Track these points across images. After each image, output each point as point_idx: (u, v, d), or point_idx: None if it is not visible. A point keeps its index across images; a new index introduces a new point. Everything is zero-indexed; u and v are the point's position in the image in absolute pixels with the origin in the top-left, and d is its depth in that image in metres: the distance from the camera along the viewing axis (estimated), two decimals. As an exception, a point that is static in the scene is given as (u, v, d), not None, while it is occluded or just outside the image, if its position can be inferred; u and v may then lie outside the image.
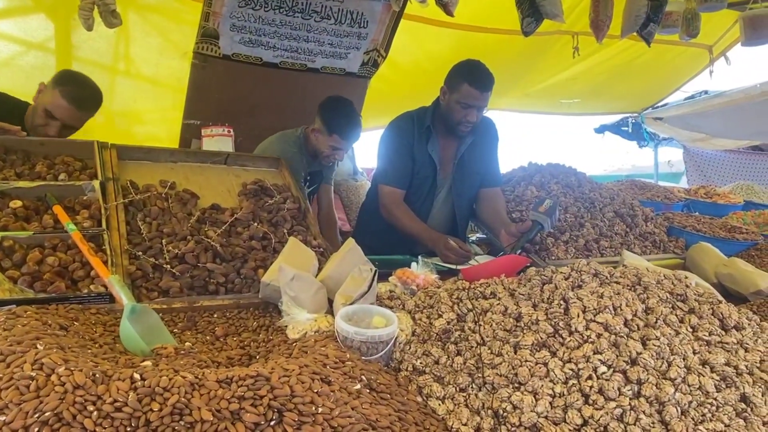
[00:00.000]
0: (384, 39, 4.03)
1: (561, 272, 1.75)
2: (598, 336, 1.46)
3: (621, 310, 1.56)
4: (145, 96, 4.06)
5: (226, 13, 3.41)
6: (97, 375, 1.05)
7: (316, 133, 3.19)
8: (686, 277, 1.86)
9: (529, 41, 4.87)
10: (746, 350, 1.57)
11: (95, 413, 0.98)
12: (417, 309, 1.80)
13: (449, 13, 2.88)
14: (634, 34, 3.75)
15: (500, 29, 4.61)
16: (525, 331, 1.54)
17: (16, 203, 2.01)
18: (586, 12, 3.67)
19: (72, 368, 1.06)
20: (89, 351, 1.34)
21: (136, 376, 1.07)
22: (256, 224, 2.30)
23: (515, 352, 1.49)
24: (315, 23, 3.71)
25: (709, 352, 1.51)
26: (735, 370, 1.46)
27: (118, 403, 1.00)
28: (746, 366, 1.49)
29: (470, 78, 2.75)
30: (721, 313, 1.67)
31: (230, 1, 3.37)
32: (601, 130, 9.29)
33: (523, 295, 1.69)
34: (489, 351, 1.52)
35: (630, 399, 1.31)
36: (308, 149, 3.30)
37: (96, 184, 2.15)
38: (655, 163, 9.68)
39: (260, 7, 3.48)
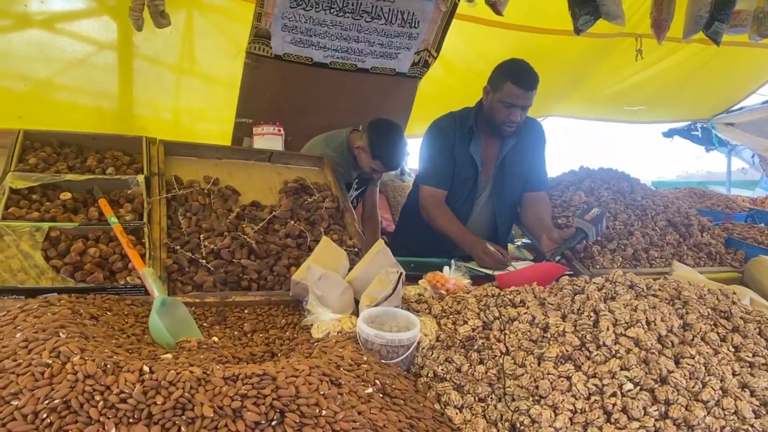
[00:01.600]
0: (435, 39, 3.99)
1: (594, 283, 1.68)
2: (627, 351, 1.40)
3: (655, 324, 1.48)
4: (202, 94, 4.18)
5: (277, 13, 3.46)
6: (108, 365, 1.08)
7: (360, 150, 3.21)
8: (734, 293, 1.75)
9: (589, 43, 4.73)
10: (794, 374, 1.46)
11: (101, 403, 1.01)
12: (443, 314, 1.77)
13: (498, 12, 2.82)
14: (704, 37, 3.56)
15: (557, 30, 4.47)
16: (551, 343, 1.49)
17: (66, 195, 2.11)
18: (648, 13, 3.51)
19: (86, 357, 1.10)
20: (114, 341, 1.39)
21: (146, 368, 1.09)
22: (293, 222, 2.32)
23: (538, 364, 1.44)
24: (365, 23, 3.71)
25: (752, 375, 1.41)
26: (778, 396, 1.36)
27: (123, 395, 1.02)
28: (792, 392, 1.39)
29: (514, 76, 2.68)
30: (769, 334, 1.56)
31: (282, 1, 3.42)
32: (669, 134, 8.90)
33: (552, 304, 1.63)
34: (512, 361, 1.48)
35: (655, 420, 1.24)
36: (352, 153, 3.31)
37: (140, 178, 2.23)
38: (728, 170, 9.18)
39: (311, 8, 3.51)
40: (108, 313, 1.61)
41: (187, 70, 4.07)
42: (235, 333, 1.75)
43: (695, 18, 3.33)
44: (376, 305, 1.68)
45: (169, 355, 1.35)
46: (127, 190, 2.22)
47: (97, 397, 1.02)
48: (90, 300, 1.66)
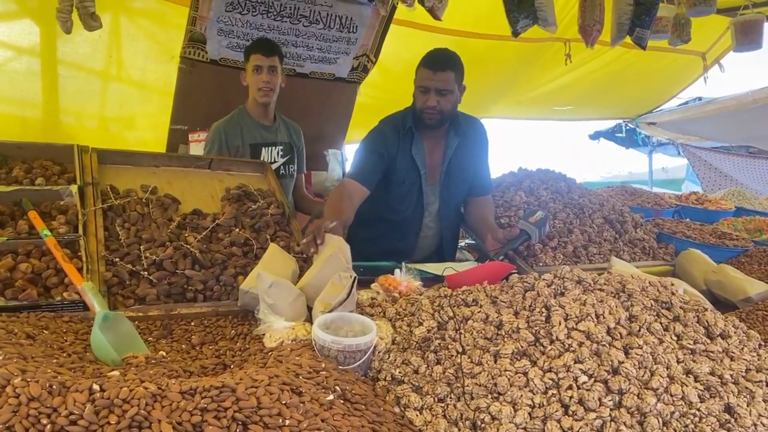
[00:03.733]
0: (374, 44, 4.01)
1: (544, 279, 1.72)
2: (580, 345, 1.43)
3: (604, 318, 1.53)
4: (132, 101, 4.02)
5: (213, 17, 3.39)
6: (54, 386, 1.01)
7: (244, 78, 3.23)
8: (672, 284, 1.83)
9: (522, 48, 4.89)
10: (731, 359, 1.54)
11: (49, 426, 0.94)
12: (398, 317, 1.77)
13: (436, 17, 2.86)
14: (629, 41, 3.74)
15: (492, 35, 4.59)
16: (506, 340, 1.51)
17: (-9, 208, 1.98)
18: (575, 20, 3.65)
19: (29, 379, 1.02)
20: (55, 361, 1.31)
21: (95, 387, 1.03)
22: (237, 230, 2.26)
23: (495, 361, 1.45)
24: (303, 28, 3.68)
25: (694, 361, 1.48)
26: (719, 380, 1.43)
27: (73, 416, 0.96)
28: (731, 375, 1.46)
29: (424, 60, 2.71)
30: (707, 321, 1.64)
31: (217, 5, 3.34)
32: (595, 136, 9.32)
33: (504, 302, 1.66)
34: (469, 360, 1.49)
35: (611, 410, 1.28)
36: (254, 115, 3.32)
37: (74, 188, 2.11)
38: (649, 169, 9.69)
39: (248, 12, 3.45)
40: (45, 331, 1.52)
41: (115, 76, 3.91)
42: (183, 346, 1.68)
43: (618, 25, 3.52)
44: (330, 311, 1.65)
45: (116, 373, 1.28)
46: (59, 201, 2.10)
47: (44, 421, 0.95)
48: (24, 318, 1.57)
